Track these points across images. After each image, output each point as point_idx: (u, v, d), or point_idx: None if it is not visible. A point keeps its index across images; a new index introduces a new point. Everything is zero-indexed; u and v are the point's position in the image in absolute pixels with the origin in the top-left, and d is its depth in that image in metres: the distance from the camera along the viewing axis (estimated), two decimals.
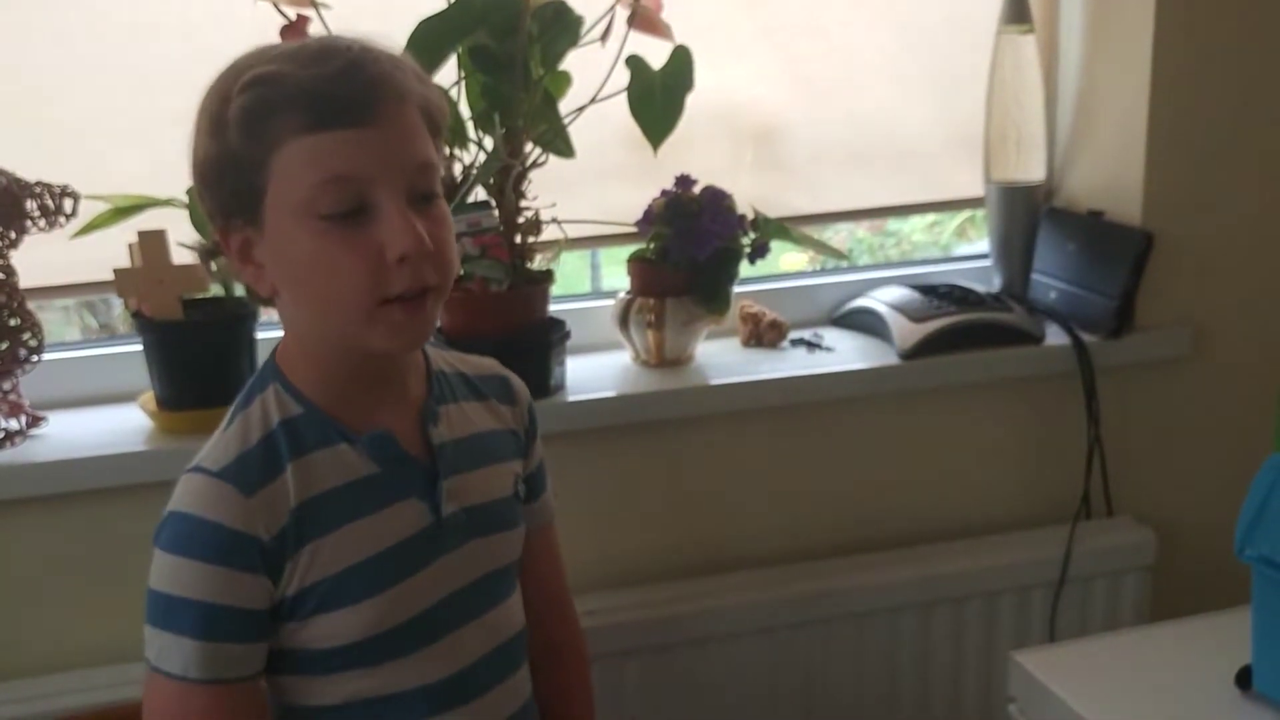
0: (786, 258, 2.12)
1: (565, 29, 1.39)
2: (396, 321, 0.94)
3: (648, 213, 1.54)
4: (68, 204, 1.35)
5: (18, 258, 1.35)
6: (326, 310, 0.96)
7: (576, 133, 1.45)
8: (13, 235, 1.33)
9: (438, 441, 1.04)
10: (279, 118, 0.90)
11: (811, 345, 1.64)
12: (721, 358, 1.61)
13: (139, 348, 1.40)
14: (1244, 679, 1.11)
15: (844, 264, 1.85)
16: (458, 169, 1.42)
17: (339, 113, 0.90)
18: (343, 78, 0.90)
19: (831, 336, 1.68)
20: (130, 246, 1.37)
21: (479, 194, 1.43)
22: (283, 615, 0.98)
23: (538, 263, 1.48)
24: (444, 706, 1.04)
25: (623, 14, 1.41)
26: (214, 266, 1.37)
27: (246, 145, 0.91)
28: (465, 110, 1.41)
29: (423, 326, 0.97)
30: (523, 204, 1.44)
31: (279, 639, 0.99)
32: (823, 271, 1.89)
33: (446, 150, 1.40)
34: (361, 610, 0.98)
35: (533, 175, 1.44)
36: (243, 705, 0.97)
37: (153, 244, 1.36)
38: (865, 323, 1.68)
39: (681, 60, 1.43)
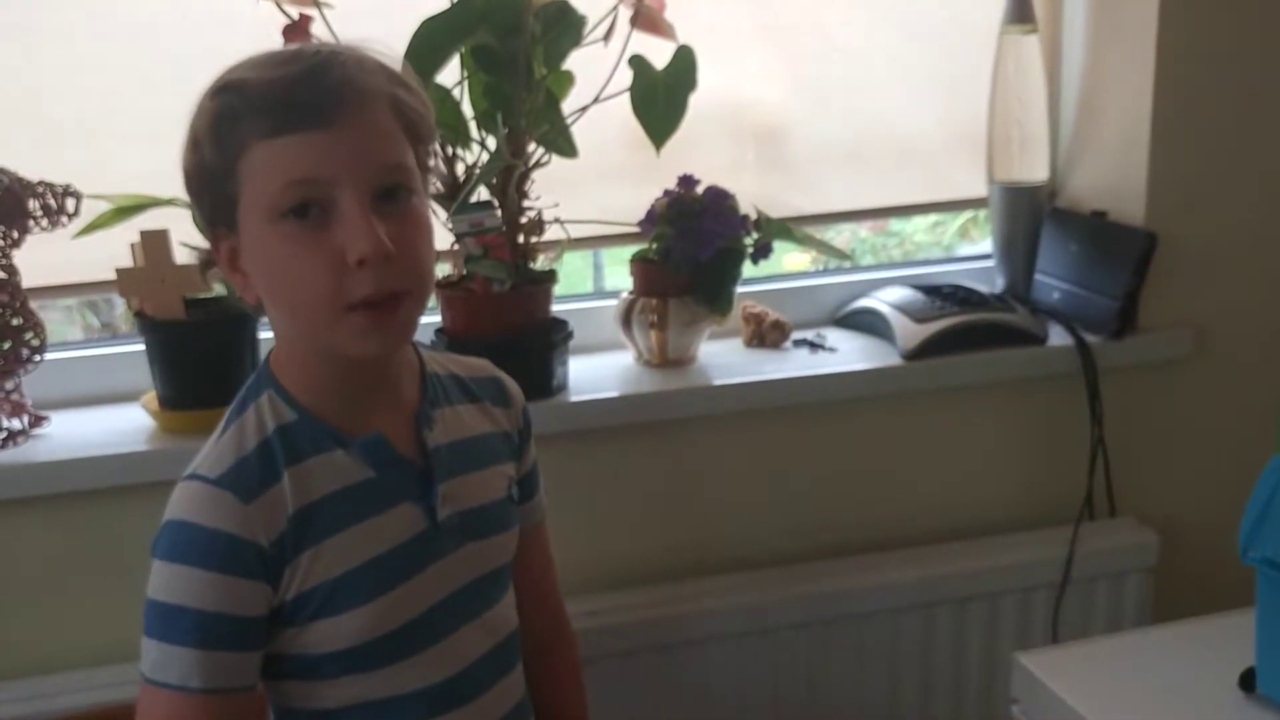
0: (789, 258, 2.12)
1: (568, 28, 1.39)
2: (361, 327, 0.93)
3: (650, 213, 1.54)
4: (70, 203, 1.35)
5: (20, 257, 1.35)
6: (297, 315, 0.96)
7: (579, 132, 1.45)
8: (15, 235, 1.33)
9: (432, 445, 1.04)
10: (243, 124, 0.90)
11: (814, 346, 1.64)
12: (724, 358, 1.61)
13: (141, 347, 1.40)
14: (1247, 681, 1.10)
15: (846, 264, 1.85)
16: (460, 169, 1.42)
17: (299, 116, 0.90)
18: (303, 81, 0.90)
19: (834, 337, 1.67)
20: (132, 246, 1.37)
21: (482, 194, 1.43)
22: (281, 621, 0.98)
23: (540, 263, 1.47)
24: (442, 708, 1.04)
25: (625, 13, 1.41)
26: (209, 276, 1.37)
27: (216, 153, 0.92)
28: (468, 110, 1.41)
29: (394, 332, 0.97)
30: (525, 204, 1.44)
31: (278, 645, 0.99)
32: (825, 272, 1.88)
33: (446, 150, 1.40)
34: (359, 614, 0.98)
35: (535, 175, 1.44)
36: (241, 715, 0.97)
37: (155, 243, 1.35)
38: (868, 323, 1.68)
39: (684, 60, 1.43)
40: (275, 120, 0.89)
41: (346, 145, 0.91)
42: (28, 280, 1.37)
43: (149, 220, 1.37)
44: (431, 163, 1.03)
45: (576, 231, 1.48)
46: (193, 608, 0.93)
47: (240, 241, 0.95)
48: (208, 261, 1.31)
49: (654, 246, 1.56)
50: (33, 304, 1.37)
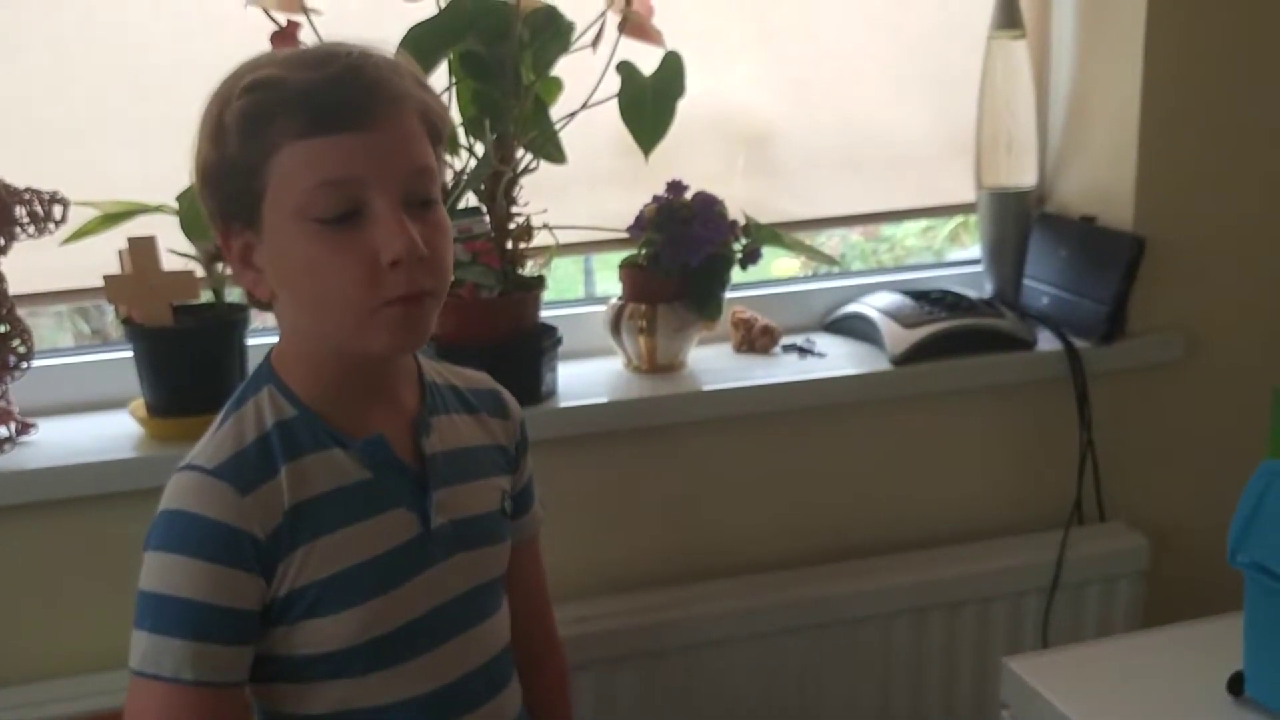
0: (779, 263, 2.11)
1: (556, 35, 1.39)
2: (394, 321, 0.94)
3: (639, 218, 1.54)
4: (57, 210, 1.34)
5: (7, 264, 1.35)
6: (323, 313, 0.96)
7: (568, 138, 1.45)
8: (2, 242, 1.33)
9: (429, 452, 1.04)
10: (276, 122, 0.90)
11: (803, 351, 1.64)
12: (713, 363, 1.61)
13: (129, 354, 1.39)
14: (1236, 685, 1.11)
15: (835, 269, 1.85)
16: (449, 175, 1.41)
17: (335, 117, 0.90)
18: (339, 82, 0.91)
19: (823, 342, 1.68)
20: (120, 253, 1.37)
21: (470, 200, 1.43)
22: (272, 619, 0.97)
23: (529, 269, 1.47)
24: None
25: (614, 20, 1.41)
26: (220, 269, 1.37)
27: (244, 149, 0.92)
28: (456, 116, 1.41)
29: (420, 329, 0.97)
30: (514, 210, 1.44)
31: (268, 644, 0.98)
32: (815, 277, 1.89)
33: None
34: (348, 617, 0.98)
35: (524, 181, 1.44)
36: (231, 711, 0.96)
37: (143, 250, 1.35)
38: (857, 328, 1.68)
39: (672, 66, 1.43)
40: (311, 121, 0.90)
41: (380, 148, 0.92)
42: (15, 287, 1.36)
43: (137, 227, 1.37)
44: (444, 161, 1.04)
45: (565, 237, 1.48)
46: (187, 598, 0.93)
47: (260, 238, 0.95)
48: (214, 255, 1.32)
49: (643, 252, 1.56)
50: (20, 311, 1.37)
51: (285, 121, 0.90)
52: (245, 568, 0.94)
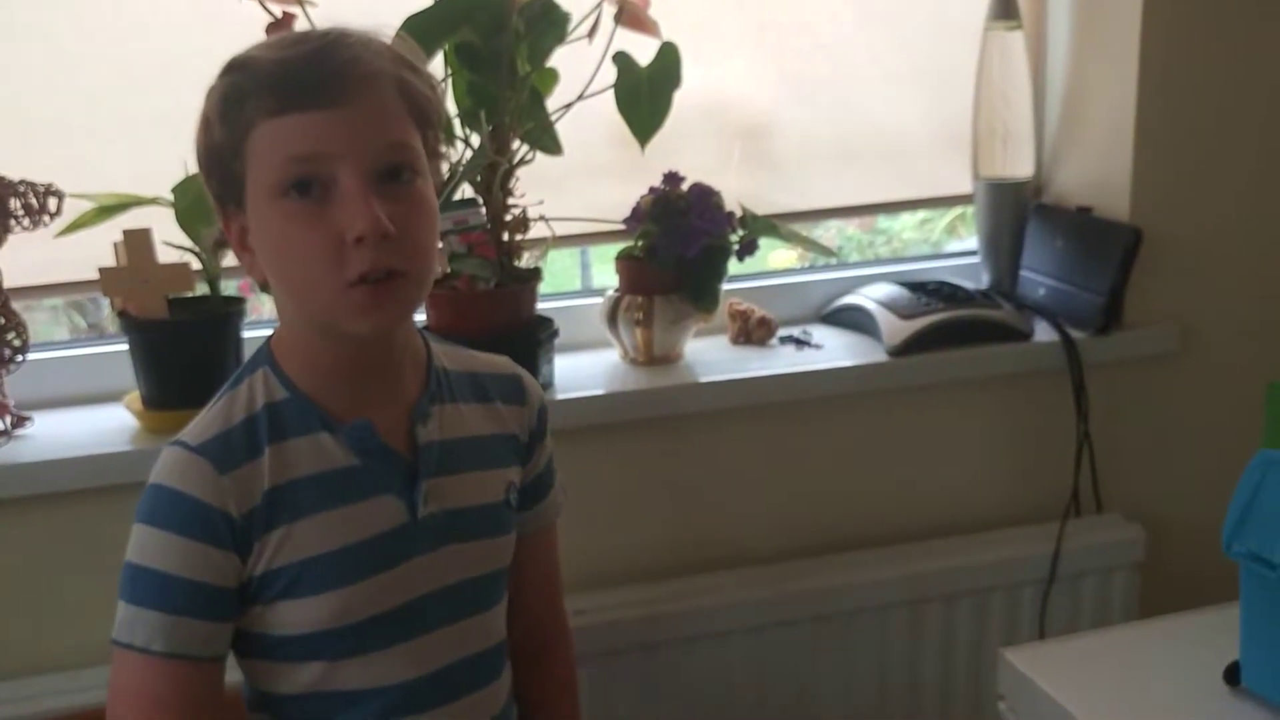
0: (775, 255, 2.12)
1: (552, 26, 1.38)
2: (360, 304, 0.93)
3: (636, 210, 1.54)
4: (52, 203, 1.34)
5: (2, 257, 1.34)
6: (297, 292, 0.96)
7: (564, 130, 1.45)
8: None
9: (423, 441, 1.04)
10: (249, 102, 0.91)
11: (800, 343, 1.64)
12: (710, 355, 1.61)
13: (124, 347, 1.39)
14: (1232, 675, 1.11)
15: (833, 261, 1.85)
16: (444, 167, 1.41)
17: (303, 94, 0.91)
18: (309, 60, 0.91)
19: (820, 334, 1.68)
20: (115, 245, 1.36)
21: (466, 192, 1.43)
22: (249, 597, 0.98)
23: (525, 260, 1.47)
24: (405, 709, 1.03)
25: (610, 10, 1.41)
26: (218, 257, 1.37)
27: (225, 132, 0.93)
28: (452, 108, 1.40)
29: (391, 311, 0.96)
30: (510, 201, 1.44)
31: (246, 622, 0.99)
32: (812, 269, 1.88)
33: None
34: (326, 600, 0.98)
35: (520, 173, 1.44)
36: (203, 686, 0.97)
37: (138, 243, 1.35)
38: (854, 320, 1.68)
39: (669, 57, 1.42)
40: (280, 99, 0.90)
41: (349, 124, 0.92)
42: (9, 280, 1.36)
43: (132, 219, 1.36)
44: (442, 149, 1.04)
45: (561, 229, 1.48)
46: (160, 570, 0.94)
47: (247, 220, 0.96)
48: (220, 241, 1.32)
49: (639, 244, 1.56)
50: (15, 304, 1.36)
51: (257, 100, 0.91)
52: (219, 544, 0.95)
